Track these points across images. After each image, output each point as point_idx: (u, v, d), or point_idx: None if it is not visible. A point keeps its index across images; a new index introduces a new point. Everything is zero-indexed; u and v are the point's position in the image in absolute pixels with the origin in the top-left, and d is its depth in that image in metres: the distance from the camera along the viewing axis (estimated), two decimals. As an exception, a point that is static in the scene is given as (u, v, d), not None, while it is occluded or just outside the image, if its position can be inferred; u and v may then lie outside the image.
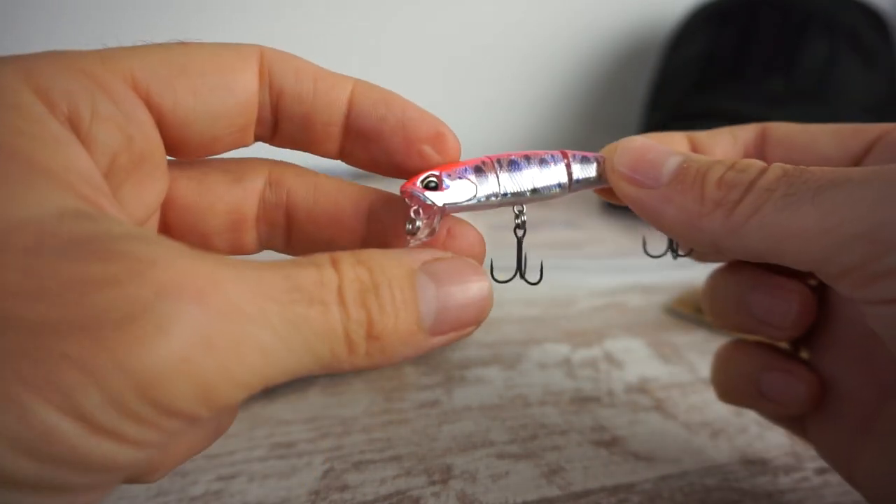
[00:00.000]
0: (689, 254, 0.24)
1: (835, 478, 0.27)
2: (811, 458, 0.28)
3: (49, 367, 0.11)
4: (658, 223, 0.20)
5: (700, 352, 0.37)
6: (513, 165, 0.20)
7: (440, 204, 0.19)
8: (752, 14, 0.65)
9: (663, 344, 0.38)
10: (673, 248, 0.25)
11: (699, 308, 0.41)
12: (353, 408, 0.31)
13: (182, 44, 0.18)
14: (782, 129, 0.24)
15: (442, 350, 0.36)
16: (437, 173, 0.19)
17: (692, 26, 0.71)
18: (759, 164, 0.19)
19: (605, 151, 0.22)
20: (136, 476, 0.16)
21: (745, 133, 0.24)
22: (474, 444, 0.28)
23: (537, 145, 0.88)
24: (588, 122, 0.88)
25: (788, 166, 0.18)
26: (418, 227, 0.19)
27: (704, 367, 0.36)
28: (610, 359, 0.36)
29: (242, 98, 0.18)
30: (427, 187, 0.19)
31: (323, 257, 0.15)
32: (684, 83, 0.68)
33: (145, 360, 0.12)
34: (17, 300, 0.12)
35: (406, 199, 0.19)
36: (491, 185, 0.20)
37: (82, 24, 0.71)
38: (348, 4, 0.76)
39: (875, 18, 0.65)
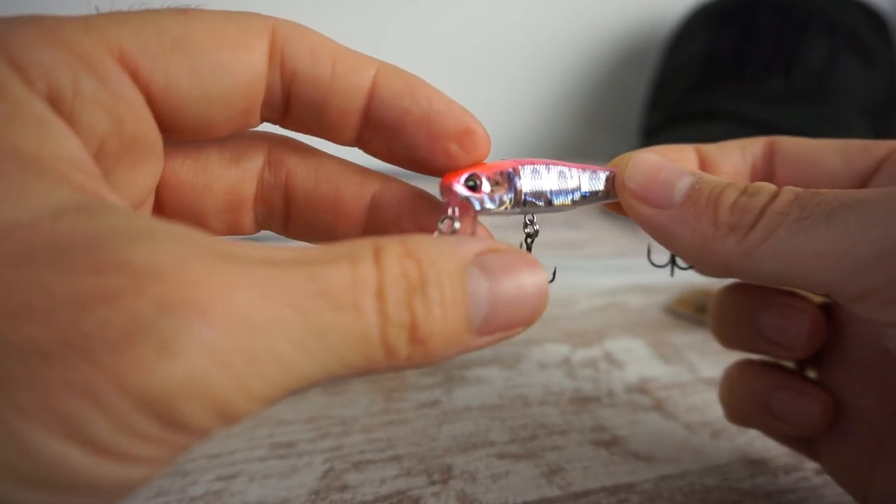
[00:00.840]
0: (691, 267, 0.24)
1: (835, 478, 0.27)
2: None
3: (46, 394, 0.11)
4: (670, 244, 0.20)
5: (700, 352, 0.37)
6: (535, 174, 0.20)
7: (483, 207, 0.18)
8: (752, 14, 0.65)
9: (663, 344, 0.38)
10: (673, 261, 0.25)
11: (699, 308, 0.41)
12: (353, 408, 0.31)
13: (182, 11, 0.15)
14: (790, 145, 0.24)
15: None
16: (479, 174, 0.18)
17: (692, 26, 0.71)
18: (771, 187, 0.19)
19: (614, 164, 0.22)
20: None
21: (753, 147, 0.24)
22: (474, 444, 0.28)
23: (537, 145, 0.88)
24: (588, 123, 0.88)
25: (800, 189, 0.18)
26: (455, 229, 0.18)
27: (704, 367, 0.36)
28: (610, 359, 0.36)
29: (245, 80, 0.16)
30: (470, 188, 0.18)
31: (364, 248, 0.13)
32: (684, 83, 0.68)
33: (149, 383, 0.11)
34: (3, 322, 0.11)
35: (443, 196, 0.18)
36: (516, 192, 0.19)
37: None
38: (348, 4, 0.76)
39: (875, 18, 0.65)
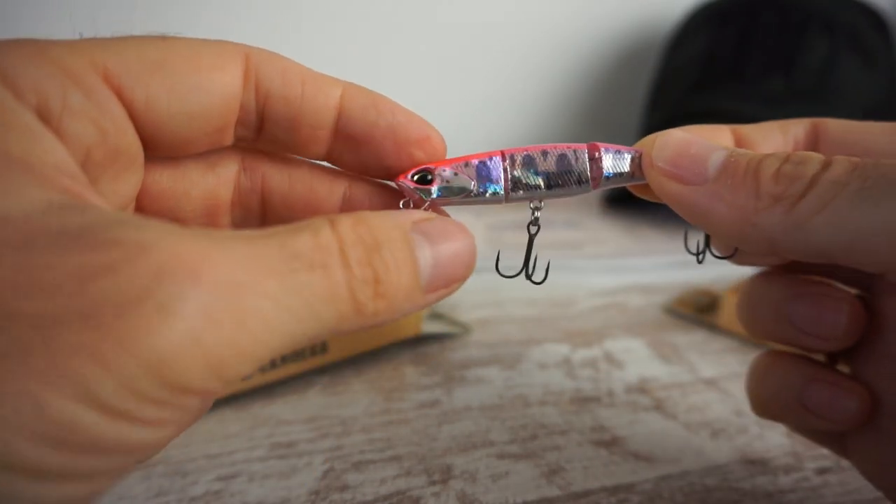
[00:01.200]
0: (730, 256, 0.23)
1: (834, 478, 0.27)
2: (811, 458, 0.28)
3: (58, 359, 0.11)
4: (705, 222, 0.19)
5: (700, 352, 0.37)
6: (527, 161, 0.20)
7: (430, 197, 0.20)
8: (752, 14, 0.65)
9: (663, 344, 0.38)
10: (708, 246, 0.23)
11: (699, 308, 0.41)
12: (353, 408, 0.31)
13: (162, 38, 0.17)
14: (836, 126, 0.23)
15: (442, 350, 0.36)
16: (432, 167, 0.20)
17: (692, 26, 0.71)
18: (818, 156, 0.18)
19: (641, 145, 0.21)
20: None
21: (795, 128, 0.23)
22: (474, 444, 0.28)
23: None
24: (588, 122, 0.88)
25: (857, 159, 0.17)
26: None
27: (704, 367, 0.36)
28: (610, 359, 0.36)
29: (220, 100, 0.17)
30: (421, 181, 0.20)
31: (320, 220, 0.15)
32: (684, 83, 0.68)
33: (152, 343, 0.12)
34: (13, 296, 0.12)
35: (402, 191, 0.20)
36: (494, 181, 0.20)
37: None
38: (349, 3, 0.76)
39: (875, 18, 0.65)
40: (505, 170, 0.20)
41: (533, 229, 0.21)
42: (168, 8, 0.73)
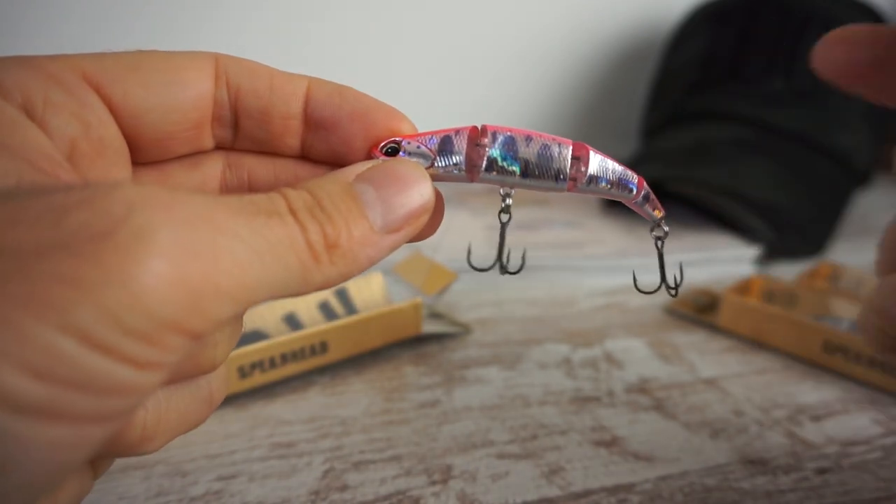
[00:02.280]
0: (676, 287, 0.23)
1: (834, 478, 0.27)
2: (811, 458, 0.28)
3: (39, 286, 0.12)
4: None
5: (700, 352, 0.37)
6: (508, 142, 0.20)
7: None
8: (752, 14, 0.65)
9: (663, 344, 0.38)
10: (666, 283, 0.22)
11: (699, 308, 0.41)
12: (353, 408, 0.31)
13: (138, 50, 0.19)
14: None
15: (442, 350, 0.36)
16: (398, 140, 0.20)
17: (692, 26, 0.71)
18: None
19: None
20: (132, 445, 0.17)
21: None
22: (474, 444, 0.28)
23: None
24: (588, 123, 0.88)
25: None
26: None
27: (704, 367, 0.36)
28: (610, 359, 0.36)
29: (195, 93, 0.18)
30: (390, 153, 0.20)
31: (267, 192, 0.16)
32: (684, 83, 0.68)
33: (130, 270, 0.12)
34: None
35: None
36: (455, 156, 0.20)
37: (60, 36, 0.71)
38: (350, 3, 0.76)
39: (874, 19, 0.65)
40: (482, 146, 0.20)
41: (504, 217, 0.20)
42: (172, 18, 0.73)
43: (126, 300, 0.12)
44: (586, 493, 0.26)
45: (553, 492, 0.26)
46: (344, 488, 0.26)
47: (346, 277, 0.17)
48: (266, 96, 0.19)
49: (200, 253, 0.13)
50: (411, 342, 0.37)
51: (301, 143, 0.20)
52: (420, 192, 0.18)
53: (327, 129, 0.20)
